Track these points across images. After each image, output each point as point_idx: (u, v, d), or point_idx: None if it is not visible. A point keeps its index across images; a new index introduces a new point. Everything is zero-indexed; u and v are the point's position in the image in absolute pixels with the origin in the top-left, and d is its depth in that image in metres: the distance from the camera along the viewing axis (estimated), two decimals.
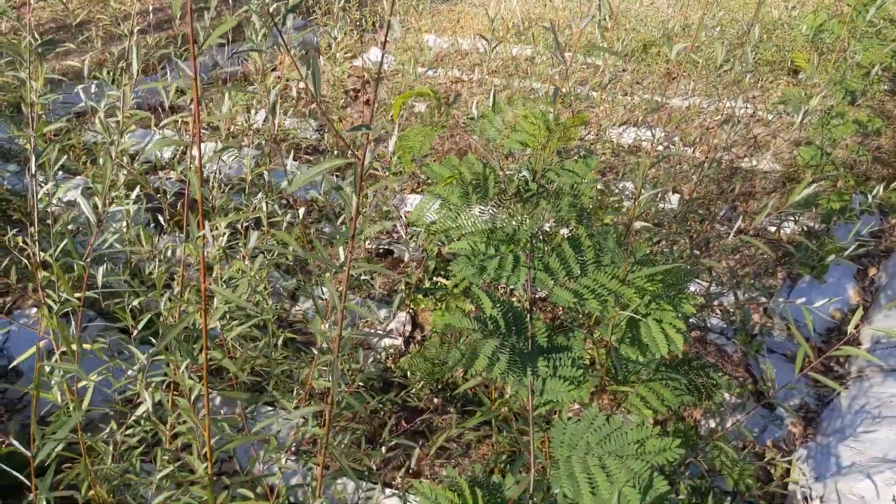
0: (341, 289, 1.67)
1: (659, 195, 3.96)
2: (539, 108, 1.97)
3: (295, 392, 2.60)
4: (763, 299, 3.95)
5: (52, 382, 2.16)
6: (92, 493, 2.22)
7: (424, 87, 2.00)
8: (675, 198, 4.36)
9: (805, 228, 4.08)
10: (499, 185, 1.95)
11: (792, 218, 4.16)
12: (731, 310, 3.90)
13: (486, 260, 1.86)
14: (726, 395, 3.31)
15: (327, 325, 2.29)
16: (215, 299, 1.77)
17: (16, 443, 2.00)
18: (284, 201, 4.28)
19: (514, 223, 1.91)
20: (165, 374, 2.47)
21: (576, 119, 1.85)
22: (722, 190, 4.48)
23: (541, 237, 1.99)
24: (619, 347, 2.30)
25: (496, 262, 1.89)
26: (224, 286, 2.38)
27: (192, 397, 1.97)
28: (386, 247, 4.16)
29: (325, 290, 3.63)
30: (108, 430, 2.40)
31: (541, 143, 1.83)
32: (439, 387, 3.38)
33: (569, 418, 2.01)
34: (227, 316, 2.64)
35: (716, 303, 3.88)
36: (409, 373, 3.22)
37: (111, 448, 2.34)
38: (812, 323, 3.74)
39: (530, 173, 1.88)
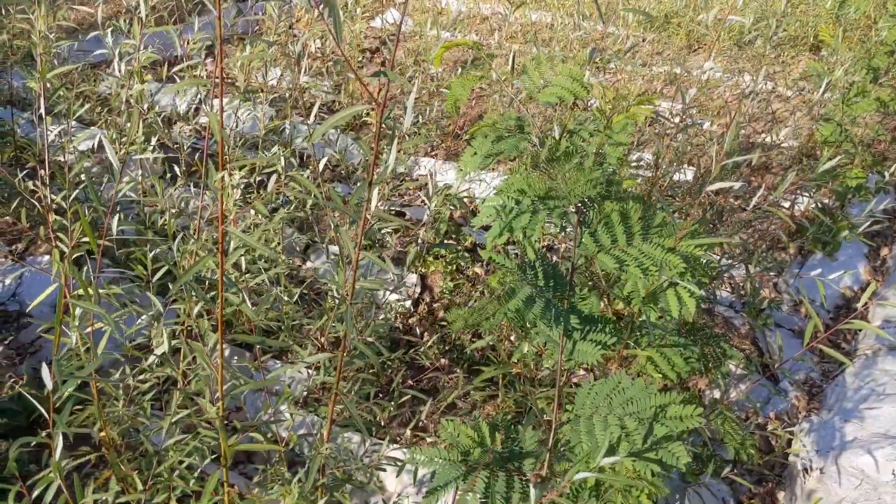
0: (356, 238, 1.67)
1: (675, 167, 3.93)
2: (573, 68, 1.97)
3: (306, 346, 2.63)
4: (773, 274, 3.95)
5: (70, 324, 2.19)
6: (103, 434, 2.26)
7: (466, 39, 1.99)
8: (690, 171, 4.33)
9: (819, 205, 4.05)
10: (531, 142, 1.95)
11: (807, 194, 4.13)
12: (741, 283, 3.90)
13: (528, 215, 1.86)
14: (732, 367, 3.32)
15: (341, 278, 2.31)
16: (231, 243, 1.78)
17: (24, 394, 2.03)
18: (299, 159, 4.28)
19: (556, 185, 1.92)
20: (177, 323, 2.50)
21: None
22: (737, 164, 4.44)
23: (588, 202, 2.00)
24: (639, 311, 2.32)
25: (529, 216, 1.90)
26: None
27: (208, 344, 1.99)
28: (398, 209, 4.16)
29: (336, 248, 3.64)
30: (119, 374, 2.44)
31: (576, 98, 1.82)
32: (447, 348, 3.40)
33: (576, 383, 2.03)
34: (241, 268, 2.66)
35: (725, 276, 3.88)
36: (424, 332, 3.24)
37: (122, 392, 2.37)
38: (825, 297, 3.74)
39: (561, 130, 1.87)
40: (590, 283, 2.86)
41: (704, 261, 2.27)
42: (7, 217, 3.58)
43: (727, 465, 2.90)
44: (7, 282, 3.33)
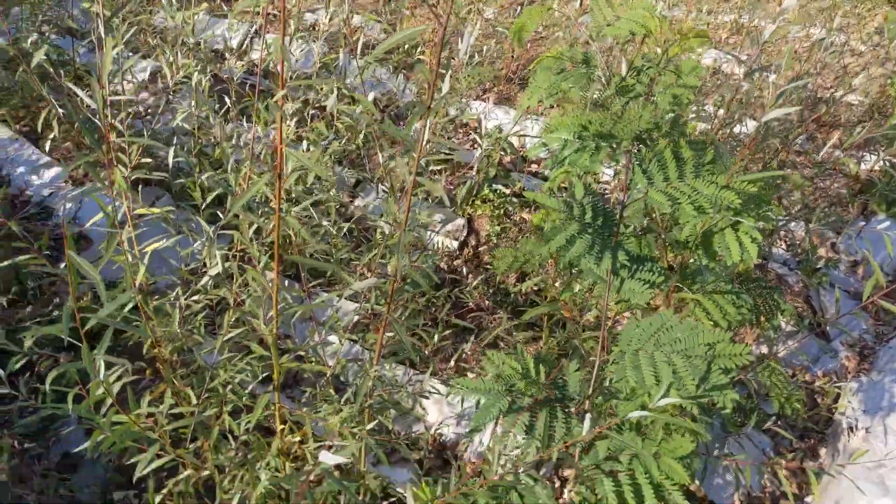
0: (412, 164, 1.66)
1: (736, 118, 3.80)
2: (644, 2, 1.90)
3: (354, 278, 2.66)
4: (831, 233, 3.82)
5: (124, 242, 2.25)
6: (157, 350, 2.34)
7: None
8: (751, 123, 4.19)
9: (888, 162, 3.88)
10: (597, 77, 1.90)
11: (876, 153, 3.96)
12: (797, 241, 3.79)
13: (590, 151, 1.83)
14: (783, 324, 3.25)
15: (389, 216, 2.31)
16: (289, 164, 1.79)
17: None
18: (350, 100, 4.26)
19: (618, 123, 1.87)
20: (229, 248, 2.55)
21: (698, 32, 1.79)
22: (803, 119, 4.27)
23: (642, 139, 1.96)
24: (694, 255, 2.28)
25: (591, 153, 1.87)
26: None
27: (261, 265, 2.02)
28: (447, 152, 4.13)
29: (386, 185, 3.65)
30: (174, 295, 2.51)
31: (648, 32, 1.76)
32: (491, 291, 3.41)
33: (617, 323, 2.01)
34: (293, 198, 2.69)
35: (782, 232, 3.77)
36: (490, 265, 3.25)
37: (177, 312, 2.44)
38: (891, 251, 3.62)
39: (628, 66, 1.81)
40: (643, 230, 2.81)
41: (762, 201, 2.20)
42: (67, 143, 3.68)
43: (770, 419, 2.87)
44: (68, 206, 3.43)
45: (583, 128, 1.93)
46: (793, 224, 3.70)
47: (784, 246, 3.79)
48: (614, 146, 1.93)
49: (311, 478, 1.90)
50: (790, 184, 3.70)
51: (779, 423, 2.81)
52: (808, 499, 2.85)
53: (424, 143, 1.69)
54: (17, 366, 2.04)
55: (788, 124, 4.20)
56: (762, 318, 2.65)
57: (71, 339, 2.78)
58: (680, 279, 2.49)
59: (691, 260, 2.57)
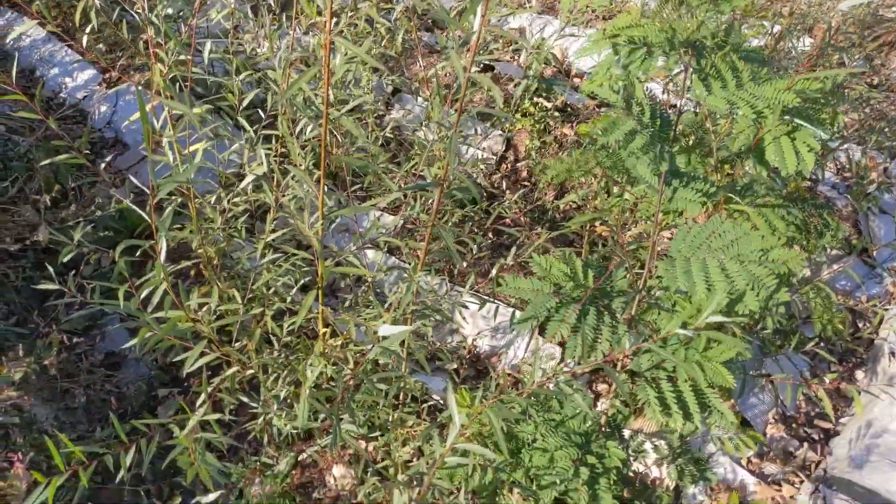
0: (468, 56, 1.59)
1: (794, 33, 3.62)
2: None
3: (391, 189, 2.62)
4: (884, 158, 3.68)
5: (164, 142, 2.22)
6: (201, 251, 2.34)
7: None
8: (807, 40, 3.98)
9: None
10: None
11: None
12: (847, 165, 3.66)
13: (642, 56, 1.75)
14: (828, 248, 3.18)
15: (429, 126, 2.25)
16: (337, 57, 1.73)
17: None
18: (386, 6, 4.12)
19: (672, 30, 1.78)
20: (269, 149, 2.51)
21: None
22: (861, 38, 4.05)
23: (697, 46, 1.87)
24: (745, 166, 2.20)
25: (643, 57, 1.79)
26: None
27: (304, 166, 1.99)
28: (486, 62, 4.00)
29: (422, 98, 3.56)
30: (215, 198, 2.50)
31: None
32: (529, 207, 3.36)
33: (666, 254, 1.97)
34: (332, 104, 2.62)
35: (832, 155, 3.64)
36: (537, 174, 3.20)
37: (219, 214, 2.43)
38: None
39: None
40: (694, 143, 2.73)
41: (821, 108, 2.11)
42: (100, 45, 3.62)
43: (809, 342, 2.84)
44: (102, 109, 3.40)
45: (635, 36, 1.85)
46: (845, 146, 3.56)
47: (834, 169, 3.67)
48: (668, 52, 1.84)
49: (353, 382, 1.92)
50: (847, 101, 3.55)
51: (820, 345, 2.78)
52: (843, 419, 2.85)
53: (479, 36, 1.61)
54: (66, 258, 2.06)
55: (848, 42, 3.99)
56: (811, 238, 2.58)
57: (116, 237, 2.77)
58: (728, 189, 2.42)
59: (742, 172, 2.49)
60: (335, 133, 2.68)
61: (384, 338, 1.60)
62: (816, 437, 2.84)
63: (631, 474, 2.68)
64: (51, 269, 2.33)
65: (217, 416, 1.93)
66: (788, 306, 2.85)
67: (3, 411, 2.29)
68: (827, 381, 2.20)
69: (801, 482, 2.71)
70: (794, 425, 2.85)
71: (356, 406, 2.27)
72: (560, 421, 2.21)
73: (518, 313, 2.49)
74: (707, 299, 1.69)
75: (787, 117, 2.05)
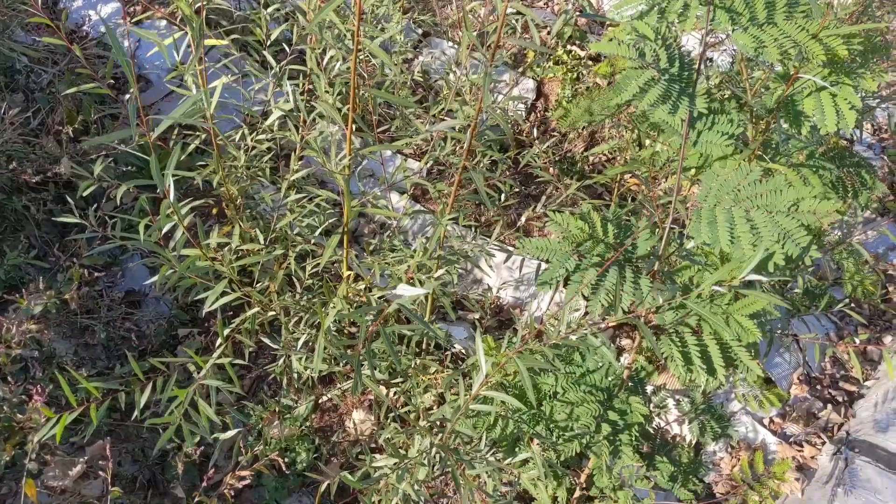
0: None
1: None
2: None
3: (419, 132, 2.55)
4: None
5: (187, 77, 2.16)
6: (223, 189, 2.30)
7: None
8: None
9: None
10: None
11: None
12: (885, 126, 3.54)
13: None
14: (862, 208, 3.09)
15: (459, 71, 2.16)
16: None
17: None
18: None
19: None
20: (295, 85, 2.44)
21: None
22: None
23: None
24: (781, 117, 2.11)
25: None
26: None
27: (331, 100, 1.92)
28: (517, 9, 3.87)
29: (453, 42, 3.46)
30: (239, 136, 2.45)
31: None
32: (557, 158, 3.28)
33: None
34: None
35: (868, 115, 3.52)
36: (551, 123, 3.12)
37: (242, 152, 2.38)
38: None
39: None
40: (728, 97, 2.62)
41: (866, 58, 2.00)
42: None
43: (838, 304, 2.78)
44: (125, 44, 3.33)
45: None
46: (884, 105, 3.43)
47: (871, 129, 3.54)
48: None
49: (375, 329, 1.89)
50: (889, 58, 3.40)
51: (850, 306, 2.72)
52: (867, 383, 2.81)
53: None
54: (87, 192, 2.02)
55: None
56: (847, 196, 2.50)
57: (139, 164, 2.73)
58: (761, 149, 2.33)
59: (775, 124, 2.40)
60: (363, 73, 2.60)
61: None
62: (841, 399, 2.80)
63: (651, 430, 2.66)
64: (71, 202, 2.30)
65: (233, 360, 1.91)
66: (818, 267, 2.78)
67: (22, 344, 2.29)
68: (857, 341, 2.14)
69: (823, 443, 2.68)
70: (818, 386, 2.81)
71: (378, 353, 2.25)
72: (581, 374, 2.18)
73: (543, 266, 2.44)
74: (731, 252, 1.63)
75: (826, 70, 1.95)
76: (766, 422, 2.75)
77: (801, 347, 2.75)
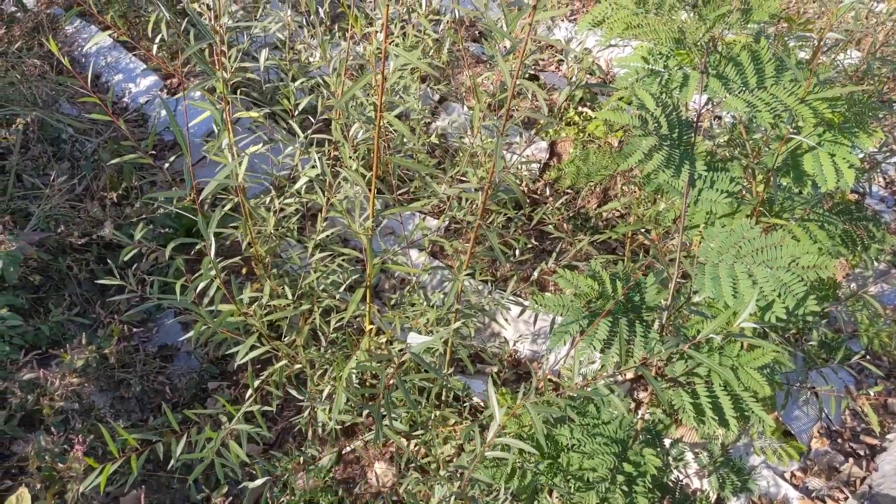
0: (518, 57, 1.65)
1: (840, 47, 3.58)
2: None
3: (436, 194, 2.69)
4: None
5: (223, 144, 2.32)
6: (252, 250, 2.44)
7: None
8: (855, 53, 3.94)
9: None
10: None
11: None
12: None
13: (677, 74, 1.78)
14: (874, 261, 3.13)
15: (473, 137, 2.31)
16: (391, 64, 1.80)
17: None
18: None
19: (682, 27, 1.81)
20: (321, 153, 2.61)
21: None
22: None
23: (715, 45, 1.89)
24: (780, 177, 2.20)
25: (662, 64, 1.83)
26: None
27: (354, 167, 2.07)
28: (531, 72, 4.06)
29: (467, 107, 3.63)
30: (269, 199, 2.60)
31: None
32: (571, 215, 3.39)
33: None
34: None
35: (880, 168, 3.59)
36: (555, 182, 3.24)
37: (271, 214, 2.53)
38: None
39: None
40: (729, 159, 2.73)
41: (859, 122, 2.10)
42: (161, 53, 3.78)
43: (855, 357, 2.80)
44: (163, 113, 3.56)
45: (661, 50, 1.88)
46: (894, 159, 3.51)
47: (883, 182, 3.61)
48: (688, 53, 1.87)
49: (393, 381, 1.98)
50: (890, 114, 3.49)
51: (866, 358, 2.75)
52: (889, 435, 2.80)
53: (528, 41, 1.67)
54: (128, 257, 2.17)
55: None
56: (856, 250, 2.56)
57: (174, 231, 2.88)
58: (766, 207, 2.41)
59: (779, 182, 2.49)
60: (384, 139, 2.76)
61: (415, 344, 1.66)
62: (862, 452, 2.79)
63: (670, 483, 2.68)
64: (112, 263, 2.46)
65: (262, 407, 2.01)
66: (833, 319, 2.82)
67: (64, 397, 2.42)
68: (872, 394, 2.17)
69: (846, 498, 2.67)
70: (839, 440, 2.81)
71: (398, 404, 2.33)
72: (596, 426, 2.23)
73: (558, 319, 2.52)
74: (734, 306, 1.71)
75: (821, 129, 2.05)
76: (787, 476, 2.75)
77: (820, 400, 2.77)
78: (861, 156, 2.16)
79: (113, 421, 2.55)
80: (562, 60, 3.92)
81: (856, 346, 2.88)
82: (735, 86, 1.89)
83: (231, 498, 2.47)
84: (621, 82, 2.03)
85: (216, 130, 2.15)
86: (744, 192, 2.45)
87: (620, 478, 2.14)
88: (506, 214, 2.90)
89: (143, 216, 2.80)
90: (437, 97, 3.70)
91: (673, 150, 1.83)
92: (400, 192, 2.87)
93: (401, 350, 2.25)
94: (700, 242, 2.29)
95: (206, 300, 2.10)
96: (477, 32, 4.24)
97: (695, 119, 1.94)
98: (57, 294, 2.81)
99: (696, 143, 1.90)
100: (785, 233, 2.16)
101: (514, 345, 2.87)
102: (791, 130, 2.18)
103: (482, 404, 2.66)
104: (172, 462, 1.90)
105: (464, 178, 3.09)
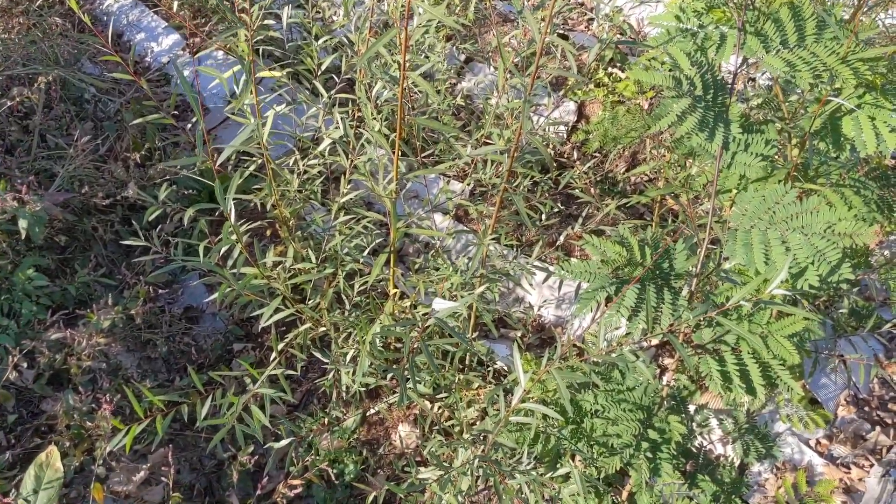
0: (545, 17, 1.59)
1: (881, 5, 3.43)
2: None
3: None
4: None
5: (244, 104, 2.29)
6: (276, 212, 2.43)
7: None
8: None
9: None
10: None
11: None
12: None
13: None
14: None
15: (499, 97, 2.26)
16: (415, 19, 1.75)
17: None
18: None
19: None
20: (345, 113, 2.57)
21: None
22: None
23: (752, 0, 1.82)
24: (817, 140, 2.13)
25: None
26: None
27: (378, 128, 2.03)
28: (560, 32, 3.96)
29: (494, 67, 3.55)
30: (292, 161, 2.58)
31: None
32: (598, 179, 3.33)
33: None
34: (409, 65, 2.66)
35: None
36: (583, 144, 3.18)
37: (295, 177, 2.51)
38: None
39: None
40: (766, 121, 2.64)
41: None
42: (183, 12, 3.74)
43: (886, 325, 2.75)
44: (186, 73, 3.53)
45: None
46: None
47: None
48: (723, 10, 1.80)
49: (421, 330, 1.97)
50: None
51: None
52: None
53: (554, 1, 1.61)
54: (152, 217, 2.17)
55: None
56: (892, 216, 2.48)
57: (198, 193, 2.89)
58: (800, 171, 2.34)
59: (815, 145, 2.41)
60: (408, 100, 2.71)
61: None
62: (890, 420, 2.75)
63: (694, 449, 2.67)
64: (136, 225, 2.46)
65: (287, 371, 2.02)
66: (864, 287, 2.76)
67: (91, 357, 2.45)
68: None
69: (871, 466, 2.65)
70: (866, 408, 2.78)
71: (422, 367, 2.33)
72: (621, 392, 2.22)
73: (584, 285, 2.49)
74: (765, 273, 1.66)
75: (861, 91, 1.97)
76: (812, 443, 2.73)
77: (848, 368, 2.73)
78: None
79: (140, 381, 2.59)
80: (592, 20, 3.81)
81: (887, 315, 2.82)
82: (774, 44, 1.81)
83: (257, 457, 2.50)
84: (654, 42, 1.96)
85: (238, 90, 2.11)
86: (778, 155, 2.38)
87: (645, 444, 2.13)
88: (532, 178, 2.85)
89: (167, 177, 2.79)
90: (462, 57, 3.62)
91: (707, 112, 1.77)
92: (424, 154, 2.83)
93: (425, 314, 2.24)
94: (732, 207, 2.24)
95: (230, 262, 2.10)
96: None
97: (730, 80, 1.87)
98: (82, 255, 2.83)
99: (731, 105, 1.84)
100: (821, 198, 2.10)
101: (539, 310, 2.85)
102: (830, 92, 2.10)
103: (506, 368, 2.66)
104: (199, 422, 1.92)
105: (489, 140, 3.04)
